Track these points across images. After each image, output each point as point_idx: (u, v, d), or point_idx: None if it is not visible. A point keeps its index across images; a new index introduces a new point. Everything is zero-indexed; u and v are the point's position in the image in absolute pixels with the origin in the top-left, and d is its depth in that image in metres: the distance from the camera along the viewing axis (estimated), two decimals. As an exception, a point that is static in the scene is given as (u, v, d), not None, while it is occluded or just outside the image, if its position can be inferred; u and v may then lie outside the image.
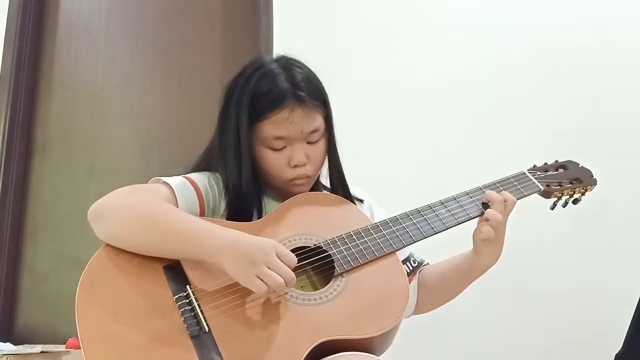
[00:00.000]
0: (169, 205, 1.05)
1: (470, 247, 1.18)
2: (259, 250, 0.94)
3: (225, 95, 1.18)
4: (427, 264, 1.30)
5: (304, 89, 1.11)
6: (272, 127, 1.11)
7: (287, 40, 2.13)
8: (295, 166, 1.13)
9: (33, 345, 1.97)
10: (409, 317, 1.29)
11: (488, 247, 1.13)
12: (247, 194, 1.13)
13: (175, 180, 1.12)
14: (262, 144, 1.13)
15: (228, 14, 2.38)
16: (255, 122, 1.12)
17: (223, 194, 1.15)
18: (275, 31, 2.17)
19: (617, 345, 1.15)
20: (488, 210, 1.13)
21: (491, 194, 1.15)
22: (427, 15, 2.11)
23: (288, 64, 1.15)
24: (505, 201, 1.13)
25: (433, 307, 1.28)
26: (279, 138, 1.12)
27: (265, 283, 0.92)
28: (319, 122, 1.14)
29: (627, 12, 1.99)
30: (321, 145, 1.16)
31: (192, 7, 2.41)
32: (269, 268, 0.93)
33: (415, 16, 2.12)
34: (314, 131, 1.14)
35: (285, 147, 1.13)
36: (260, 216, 1.15)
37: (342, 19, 2.16)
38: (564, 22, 2.02)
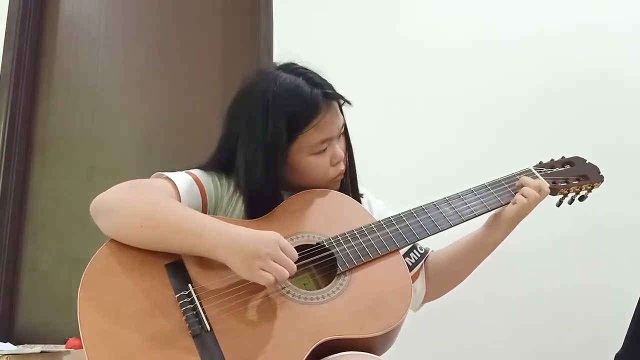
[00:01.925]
0: (171, 200, 1.05)
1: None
2: (263, 244, 0.94)
3: (241, 112, 1.16)
4: (432, 251, 1.31)
5: (328, 87, 1.14)
6: (318, 132, 1.12)
7: (287, 40, 2.12)
8: (337, 163, 1.16)
9: (33, 345, 1.96)
10: (418, 308, 1.30)
11: (509, 225, 1.17)
12: (270, 202, 1.14)
13: (178, 176, 1.12)
14: (308, 152, 1.13)
15: (228, 14, 2.38)
16: (297, 135, 1.11)
17: (230, 196, 1.15)
18: (275, 31, 2.16)
19: (617, 345, 1.15)
20: (525, 188, 1.16)
21: (526, 178, 1.19)
22: (427, 15, 2.11)
23: (297, 70, 1.15)
24: (539, 189, 1.17)
25: (442, 292, 1.30)
26: (324, 141, 1.13)
27: (272, 275, 0.93)
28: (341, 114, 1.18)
29: (629, 11, 1.99)
30: (343, 137, 1.20)
31: (192, 7, 2.41)
32: (274, 261, 0.93)
33: (415, 16, 2.11)
34: (343, 124, 1.18)
35: (326, 147, 1.14)
36: None
37: (342, 19, 2.16)
38: (565, 21, 2.01)
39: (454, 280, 1.28)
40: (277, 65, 1.19)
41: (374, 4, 2.15)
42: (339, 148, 1.16)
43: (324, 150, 1.14)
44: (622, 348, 1.15)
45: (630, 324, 1.15)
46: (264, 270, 0.93)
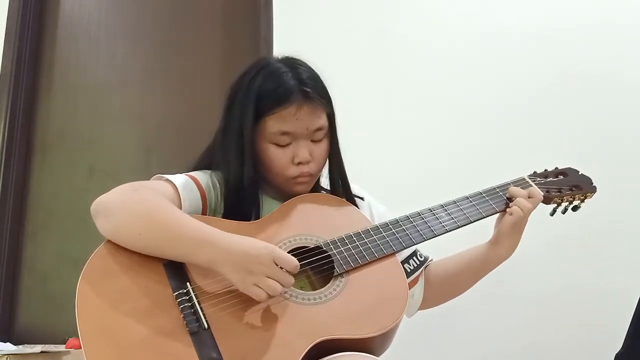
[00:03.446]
0: (170, 206, 1.04)
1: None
2: (256, 260, 0.94)
3: (230, 94, 1.19)
4: (432, 259, 1.32)
5: (311, 86, 1.13)
6: (279, 122, 1.11)
7: (287, 40, 2.13)
8: (299, 163, 1.14)
9: (33, 345, 1.97)
10: (413, 314, 1.30)
11: (510, 238, 1.17)
12: (247, 192, 1.14)
13: (179, 179, 1.12)
14: (267, 140, 1.14)
15: (228, 14, 2.38)
16: (261, 118, 1.12)
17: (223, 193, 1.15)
18: (275, 31, 2.17)
19: (617, 345, 1.15)
20: (517, 199, 1.17)
21: (515, 189, 1.19)
22: (427, 16, 2.11)
23: (294, 63, 1.17)
24: (530, 197, 1.18)
25: (440, 302, 1.32)
26: (284, 133, 1.12)
27: (265, 291, 0.93)
28: (323, 120, 1.15)
29: (629, 11, 1.98)
30: (324, 145, 1.17)
31: (192, 7, 2.41)
32: (267, 277, 0.93)
33: (415, 16, 2.11)
34: (319, 129, 1.15)
35: (290, 143, 1.13)
36: (257, 215, 1.15)
37: (342, 19, 2.16)
38: (566, 21, 2.01)
39: (454, 292, 1.30)
40: (280, 57, 1.20)
41: (374, 4, 2.15)
42: (306, 150, 1.13)
43: (287, 145, 1.13)
44: (622, 348, 1.15)
45: (630, 324, 1.15)
46: (257, 285, 0.93)
